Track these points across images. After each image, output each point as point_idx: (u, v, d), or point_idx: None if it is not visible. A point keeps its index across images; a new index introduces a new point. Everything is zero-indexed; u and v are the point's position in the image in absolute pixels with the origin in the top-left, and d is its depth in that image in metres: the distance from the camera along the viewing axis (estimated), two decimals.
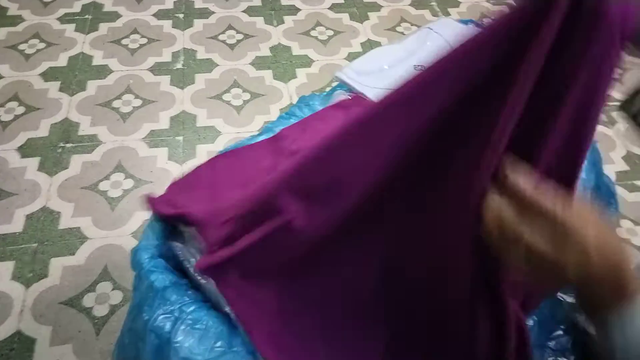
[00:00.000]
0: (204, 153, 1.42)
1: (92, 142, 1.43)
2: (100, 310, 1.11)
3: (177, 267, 0.77)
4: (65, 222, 1.25)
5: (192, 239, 0.76)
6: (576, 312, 0.91)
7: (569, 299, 0.94)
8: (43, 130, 1.45)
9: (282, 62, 1.74)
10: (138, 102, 1.56)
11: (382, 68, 1.07)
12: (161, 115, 1.52)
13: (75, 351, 1.04)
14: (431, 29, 1.14)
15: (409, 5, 2.05)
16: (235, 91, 1.62)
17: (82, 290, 1.14)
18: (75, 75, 1.62)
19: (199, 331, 0.68)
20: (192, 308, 0.70)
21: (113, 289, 1.14)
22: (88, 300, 1.12)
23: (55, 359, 1.03)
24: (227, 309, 0.68)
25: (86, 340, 1.06)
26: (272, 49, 1.79)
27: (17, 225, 1.24)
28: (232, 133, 1.49)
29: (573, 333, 0.95)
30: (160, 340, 0.68)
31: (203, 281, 0.73)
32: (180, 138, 1.47)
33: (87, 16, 1.82)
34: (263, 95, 1.62)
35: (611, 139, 1.64)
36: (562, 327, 0.96)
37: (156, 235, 0.79)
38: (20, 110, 1.50)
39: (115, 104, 1.55)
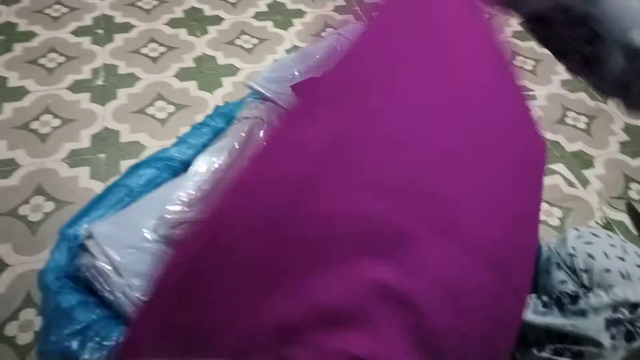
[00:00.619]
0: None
1: (9, 167, 1.39)
2: (24, 338, 1.08)
3: (87, 286, 0.77)
4: None
5: (100, 254, 0.76)
6: None
7: None
8: None
9: (207, 72, 1.74)
10: (57, 122, 1.52)
11: (293, 75, 1.10)
12: (82, 133, 1.50)
13: None
14: (341, 35, 1.18)
15: (333, 11, 2.09)
16: (159, 104, 1.61)
17: (3, 320, 1.10)
18: None
19: (108, 348, 0.68)
20: (100, 325, 0.70)
21: (37, 315, 1.11)
22: (10, 329, 1.09)
23: None
24: None
25: None
26: (196, 59, 1.79)
27: None
28: (157, 147, 1.47)
29: None
30: None
31: (112, 297, 0.73)
32: (103, 155, 1.45)
33: (0, 37, 1.76)
34: (188, 106, 1.62)
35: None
36: None
37: (63, 256, 0.78)
38: None
39: (34, 125, 1.50)
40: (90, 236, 0.76)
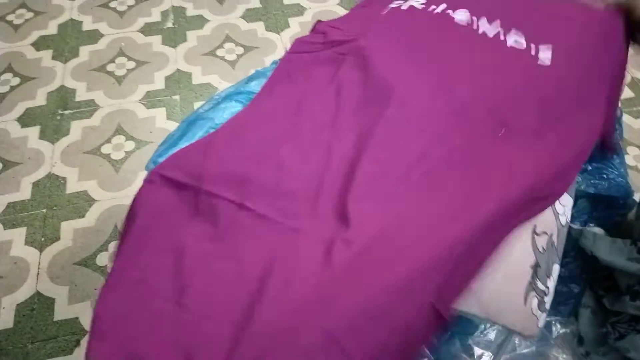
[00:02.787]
0: None
1: (90, 107, 1.44)
2: None
3: None
4: (71, 187, 1.27)
5: None
6: (584, 238, 0.92)
7: (576, 225, 0.96)
8: (40, 99, 1.45)
9: (273, 13, 1.71)
10: (132, 65, 1.55)
11: None
12: (156, 75, 1.52)
13: (93, 307, 1.08)
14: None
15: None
16: (228, 46, 1.60)
17: (94, 250, 1.16)
18: (66, 42, 1.61)
19: None
20: None
21: None
22: (101, 259, 1.15)
23: (75, 315, 1.07)
24: None
25: None
26: (262, 0, 1.76)
27: (24, 193, 1.26)
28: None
29: (581, 259, 0.97)
30: None
31: None
32: (177, 97, 1.46)
33: None
34: (257, 47, 1.60)
35: None
36: (571, 254, 0.98)
37: None
38: (16, 81, 1.50)
39: (109, 67, 1.54)
40: None
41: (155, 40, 1.61)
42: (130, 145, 1.35)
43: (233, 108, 0.92)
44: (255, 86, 0.95)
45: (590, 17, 0.81)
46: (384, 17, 0.86)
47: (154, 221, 0.63)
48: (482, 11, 0.80)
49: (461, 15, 0.81)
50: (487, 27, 0.80)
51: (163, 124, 1.40)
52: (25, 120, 1.41)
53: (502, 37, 0.78)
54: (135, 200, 0.66)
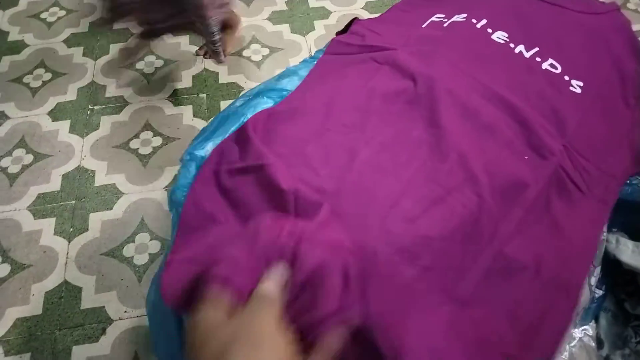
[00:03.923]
0: None
1: (119, 103, 1.47)
2: (140, 259, 1.16)
3: None
4: (100, 180, 1.30)
5: None
6: (607, 242, 0.92)
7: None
8: (71, 94, 1.49)
9: (299, 16, 1.73)
10: (160, 63, 1.58)
11: None
12: (183, 74, 1.54)
13: (119, 297, 1.10)
14: None
15: None
16: (254, 47, 1.63)
17: (121, 242, 1.19)
18: (97, 39, 1.64)
19: None
20: None
21: (151, 239, 1.19)
22: (128, 251, 1.17)
23: (102, 304, 1.09)
24: None
25: (129, 287, 1.11)
26: (288, 2, 1.78)
27: (54, 184, 1.29)
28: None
29: (603, 263, 0.97)
30: None
31: None
32: (204, 95, 1.49)
33: None
34: (282, 49, 1.63)
35: None
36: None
37: (191, 174, 0.82)
38: (48, 76, 1.54)
39: (139, 65, 1.57)
40: None
41: (183, 39, 1.64)
42: (157, 140, 1.38)
43: (265, 104, 0.93)
44: (287, 84, 0.97)
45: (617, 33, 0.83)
46: (425, 31, 0.86)
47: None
48: (521, 39, 0.81)
49: (499, 35, 0.81)
50: (524, 50, 0.80)
51: (190, 121, 1.42)
52: (56, 114, 1.44)
53: (538, 59, 0.79)
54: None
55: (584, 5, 0.86)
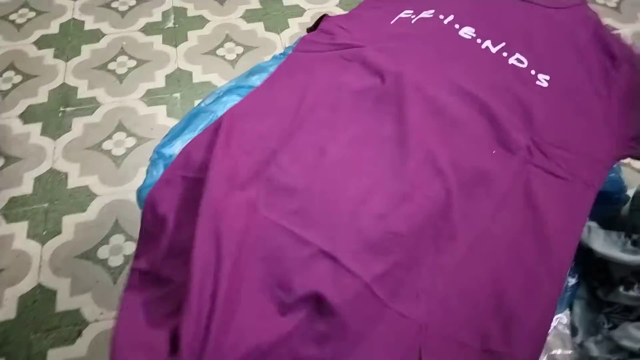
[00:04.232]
0: None
1: (91, 105, 1.45)
2: (115, 261, 1.15)
3: None
4: (73, 182, 1.28)
5: None
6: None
7: None
8: (42, 97, 1.47)
9: (273, 14, 1.74)
10: (133, 63, 1.57)
11: None
12: (157, 74, 1.54)
13: (95, 299, 1.09)
14: None
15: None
16: (228, 45, 1.63)
17: (96, 244, 1.18)
18: (68, 41, 1.63)
19: None
20: None
21: (126, 240, 1.18)
22: (102, 253, 1.16)
23: (77, 307, 1.08)
24: None
25: (104, 289, 1.11)
26: (261, 1, 1.78)
27: (26, 187, 1.27)
28: None
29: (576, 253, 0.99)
30: None
31: None
32: (178, 95, 1.48)
33: None
34: (257, 47, 1.63)
35: None
36: None
37: (159, 173, 0.82)
38: (18, 78, 1.52)
39: (111, 66, 1.56)
40: None
41: (156, 39, 1.63)
42: (131, 141, 1.37)
43: (234, 102, 0.94)
44: (256, 80, 0.98)
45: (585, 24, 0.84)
46: (393, 28, 0.86)
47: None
48: (488, 34, 0.82)
49: (467, 31, 0.82)
50: (491, 46, 0.81)
51: (164, 121, 1.42)
52: (27, 116, 1.42)
53: (504, 54, 0.80)
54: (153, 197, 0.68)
55: (551, 1, 0.88)
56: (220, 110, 0.93)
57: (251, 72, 1.01)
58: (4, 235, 1.19)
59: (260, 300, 0.54)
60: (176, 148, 0.84)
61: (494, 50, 0.81)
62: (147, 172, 0.83)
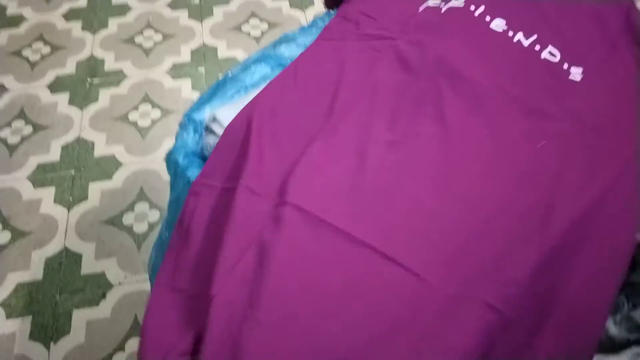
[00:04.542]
0: None
1: (118, 77, 1.47)
2: (140, 227, 1.17)
3: None
4: (99, 151, 1.31)
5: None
6: None
7: None
8: (70, 68, 1.49)
9: None
10: (159, 37, 1.58)
11: None
12: (182, 48, 1.55)
13: (119, 263, 1.12)
14: None
15: None
16: (253, 22, 1.63)
17: (121, 210, 1.20)
18: (96, 14, 1.64)
19: None
20: None
21: (150, 208, 1.20)
22: (128, 219, 1.19)
23: (101, 270, 1.11)
24: None
25: (128, 254, 1.13)
26: None
27: (54, 154, 1.30)
28: None
29: None
30: None
31: None
32: (202, 69, 1.50)
33: None
34: (281, 24, 1.63)
35: None
36: None
37: (190, 137, 0.83)
38: (47, 50, 1.54)
39: (138, 39, 1.57)
40: (214, 119, 0.80)
41: (182, 14, 1.64)
42: (156, 113, 1.39)
43: (262, 71, 0.94)
44: (284, 50, 0.98)
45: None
46: (422, 17, 0.84)
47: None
48: (519, 26, 0.80)
49: (498, 23, 0.80)
50: (523, 39, 0.80)
51: (189, 94, 1.43)
52: (55, 86, 1.45)
53: (536, 48, 0.79)
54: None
55: None
56: (248, 79, 0.93)
57: (278, 42, 1.01)
58: (31, 199, 1.22)
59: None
60: (206, 114, 0.84)
61: (526, 43, 0.79)
62: (177, 135, 0.85)
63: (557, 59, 0.78)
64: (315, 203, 0.61)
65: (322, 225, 0.59)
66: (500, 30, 0.80)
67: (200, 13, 1.65)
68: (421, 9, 0.85)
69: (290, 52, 0.99)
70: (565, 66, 0.77)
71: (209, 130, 0.82)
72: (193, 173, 0.77)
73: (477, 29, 0.80)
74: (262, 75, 0.95)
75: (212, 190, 0.68)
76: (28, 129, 1.35)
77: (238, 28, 1.61)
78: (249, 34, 1.60)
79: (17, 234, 1.16)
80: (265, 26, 1.62)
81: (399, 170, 0.65)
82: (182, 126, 0.86)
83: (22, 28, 1.60)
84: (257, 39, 1.58)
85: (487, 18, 0.81)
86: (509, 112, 0.71)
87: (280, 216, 0.60)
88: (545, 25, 0.81)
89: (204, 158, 0.81)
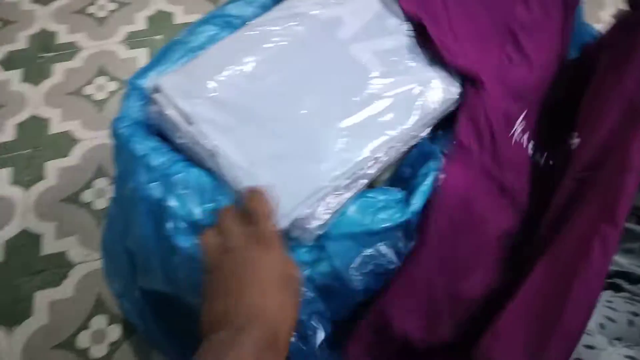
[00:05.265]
0: None
1: (71, 49, 1.41)
2: (99, 204, 1.14)
3: (159, 134, 0.78)
4: (55, 127, 1.26)
5: (169, 105, 0.76)
6: None
7: None
8: (21, 43, 1.43)
9: None
10: (113, 6, 1.51)
11: None
12: (137, 16, 1.48)
13: (80, 242, 1.09)
14: None
15: None
16: None
17: (79, 188, 1.16)
18: None
19: (190, 190, 0.69)
20: (177, 168, 0.71)
21: (110, 184, 1.17)
22: (87, 196, 1.15)
23: (63, 250, 1.08)
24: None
25: (89, 232, 1.10)
26: None
27: (8, 134, 1.25)
28: None
29: None
30: (151, 206, 0.69)
31: (184, 142, 0.73)
32: (160, 37, 1.44)
33: None
34: None
35: None
36: None
37: (134, 105, 0.79)
38: None
39: (90, 9, 1.50)
40: (157, 88, 0.76)
41: None
42: (113, 85, 1.33)
43: (209, 32, 0.90)
44: (232, 8, 0.93)
45: None
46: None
47: None
48: None
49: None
50: None
51: (146, 63, 1.37)
52: (7, 63, 1.38)
53: None
54: None
55: None
56: (195, 40, 0.89)
57: (227, 2, 0.96)
58: None
59: None
60: (150, 80, 0.80)
61: None
62: (121, 104, 0.81)
63: None
64: None
65: None
66: None
67: None
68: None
69: (238, 10, 0.94)
70: None
71: (153, 100, 0.78)
72: (137, 146, 0.74)
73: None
74: (208, 36, 0.90)
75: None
76: None
77: None
78: None
79: None
80: None
81: None
82: (126, 94, 0.82)
83: None
84: (216, 1, 1.52)
85: None
86: None
87: None
88: None
89: (149, 127, 0.78)
